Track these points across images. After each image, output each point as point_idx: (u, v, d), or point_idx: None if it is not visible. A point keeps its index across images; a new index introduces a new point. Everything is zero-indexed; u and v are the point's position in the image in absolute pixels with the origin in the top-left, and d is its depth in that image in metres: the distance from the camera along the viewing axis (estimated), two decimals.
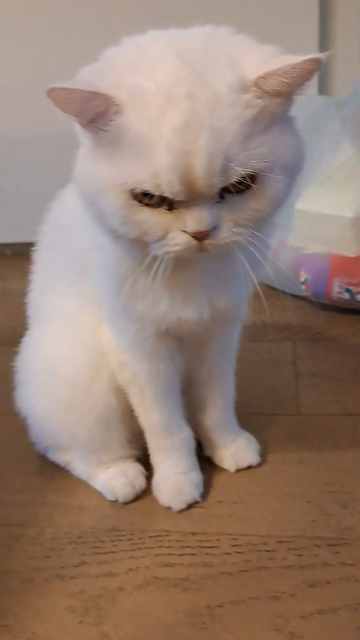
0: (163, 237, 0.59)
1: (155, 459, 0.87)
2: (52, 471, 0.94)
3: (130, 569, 0.77)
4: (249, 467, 0.90)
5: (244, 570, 0.75)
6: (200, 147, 0.53)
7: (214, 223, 0.57)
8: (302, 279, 1.26)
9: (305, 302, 1.31)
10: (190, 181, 0.54)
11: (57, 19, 1.45)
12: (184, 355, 0.81)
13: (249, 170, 0.55)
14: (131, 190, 0.56)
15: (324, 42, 1.49)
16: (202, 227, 0.57)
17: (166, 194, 0.55)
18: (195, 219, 0.56)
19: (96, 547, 0.80)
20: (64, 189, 0.81)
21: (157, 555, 0.78)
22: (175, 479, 0.85)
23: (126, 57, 0.58)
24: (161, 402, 0.81)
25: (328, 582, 0.72)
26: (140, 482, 0.87)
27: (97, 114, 0.56)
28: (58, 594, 0.74)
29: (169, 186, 0.54)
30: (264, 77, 0.55)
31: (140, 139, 0.54)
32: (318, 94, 1.50)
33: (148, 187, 0.55)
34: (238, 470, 0.90)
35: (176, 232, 0.58)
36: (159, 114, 0.54)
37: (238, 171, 0.55)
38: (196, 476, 0.86)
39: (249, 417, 0.96)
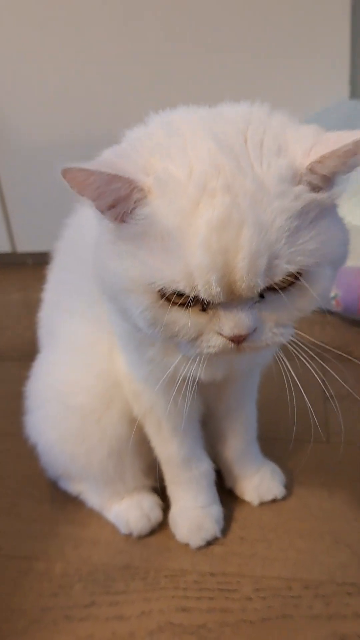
0: (195, 339, 0.53)
1: (173, 491, 0.81)
2: (64, 499, 0.89)
3: (143, 612, 0.71)
4: (274, 501, 0.84)
5: (266, 619, 0.69)
6: (243, 244, 0.47)
7: (254, 325, 0.51)
8: (332, 294, 1.19)
9: (336, 318, 1.24)
10: (230, 282, 0.48)
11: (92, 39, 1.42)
12: (204, 392, 0.75)
13: (295, 268, 0.49)
14: (160, 290, 0.50)
15: (356, 44, 1.42)
16: (241, 331, 0.51)
17: (202, 296, 0.49)
18: (233, 322, 0.50)
19: (107, 585, 0.75)
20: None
21: (172, 597, 0.73)
22: (194, 514, 0.79)
23: (154, 139, 0.53)
24: (180, 434, 0.76)
25: None
26: (157, 515, 0.82)
27: (118, 198, 0.49)
28: (66, 638, 0.70)
29: (205, 288, 0.48)
30: (320, 160, 0.49)
31: (170, 234, 0.48)
32: (350, 98, 1.43)
33: (182, 287, 0.49)
34: (262, 504, 0.84)
35: (211, 333, 0.52)
36: (192, 206, 0.48)
37: (284, 269, 0.49)
38: (216, 510, 0.80)
39: (273, 443, 0.90)
